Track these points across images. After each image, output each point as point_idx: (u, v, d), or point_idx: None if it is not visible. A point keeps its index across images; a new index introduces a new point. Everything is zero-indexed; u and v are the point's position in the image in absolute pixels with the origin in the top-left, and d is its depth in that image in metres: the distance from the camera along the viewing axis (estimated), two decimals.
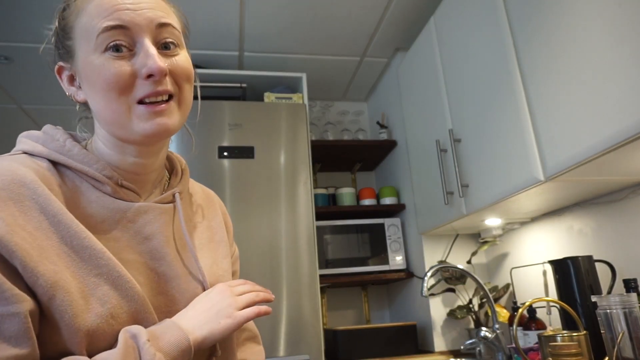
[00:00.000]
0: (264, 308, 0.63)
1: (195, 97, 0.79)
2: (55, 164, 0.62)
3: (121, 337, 0.53)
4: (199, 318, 0.59)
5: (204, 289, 0.67)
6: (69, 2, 0.63)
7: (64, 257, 0.55)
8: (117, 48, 0.59)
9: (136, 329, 0.54)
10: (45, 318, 0.53)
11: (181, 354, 0.55)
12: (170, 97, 0.63)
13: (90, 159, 0.63)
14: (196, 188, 0.82)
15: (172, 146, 1.75)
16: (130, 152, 0.65)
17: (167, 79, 0.61)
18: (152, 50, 0.60)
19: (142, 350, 0.52)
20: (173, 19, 0.65)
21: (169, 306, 0.63)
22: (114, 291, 0.56)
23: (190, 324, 0.58)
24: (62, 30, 0.63)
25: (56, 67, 0.66)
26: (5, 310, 0.49)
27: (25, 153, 0.62)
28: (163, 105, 0.61)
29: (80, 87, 0.64)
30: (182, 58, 0.64)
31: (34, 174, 0.57)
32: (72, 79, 0.65)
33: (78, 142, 0.66)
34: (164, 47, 0.62)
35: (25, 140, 0.64)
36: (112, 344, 0.55)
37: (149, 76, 0.59)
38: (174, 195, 0.71)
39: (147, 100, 0.60)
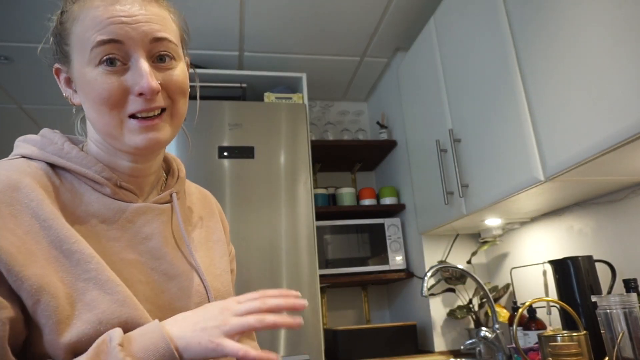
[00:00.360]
0: (253, 354, 0.51)
1: (194, 97, 0.79)
2: (53, 167, 0.63)
3: (98, 340, 0.51)
4: (187, 328, 0.53)
5: (205, 287, 0.67)
6: (67, 6, 0.62)
7: (52, 262, 0.54)
8: (110, 61, 0.58)
9: (114, 331, 0.52)
10: (32, 322, 0.53)
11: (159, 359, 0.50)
12: (163, 110, 0.62)
13: (89, 161, 0.64)
14: (192, 189, 0.82)
15: (172, 146, 1.75)
16: (125, 158, 0.65)
17: (160, 93, 0.61)
18: (145, 67, 0.59)
19: (110, 355, 0.49)
20: (170, 30, 0.63)
21: (172, 304, 0.63)
22: (103, 296, 0.55)
23: (175, 330, 0.53)
24: (60, 35, 0.63)
25: (54, 68, 0.66)
26: None
27: (23, 157, 0.62)
28: (155, 120, 0.61)
29: (76, 92, 0.64)
30: (177, 72, 0.63)
31: (30, 178, 0.58)
32: (68, 81, 0.65)
33: (76, 144, 0.67)
34: (158, 60, 0.62)
35: (23, 144, 0.65)
36: None
37: (141, 94, 0.59)
38: (171, 196, 0.71)
39: (138, 115, 0.60)
